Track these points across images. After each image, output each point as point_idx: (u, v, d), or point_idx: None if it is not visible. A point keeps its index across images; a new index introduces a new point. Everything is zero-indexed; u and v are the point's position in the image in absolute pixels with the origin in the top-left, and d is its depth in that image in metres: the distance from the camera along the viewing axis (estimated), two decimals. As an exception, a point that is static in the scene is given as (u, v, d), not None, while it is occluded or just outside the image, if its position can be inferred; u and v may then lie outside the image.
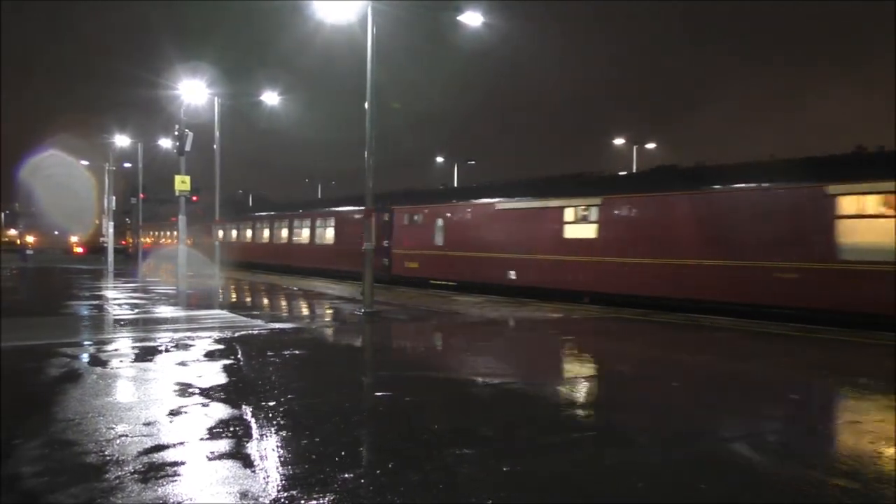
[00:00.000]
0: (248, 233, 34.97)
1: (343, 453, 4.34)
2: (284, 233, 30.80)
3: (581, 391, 6.58)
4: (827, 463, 4.35)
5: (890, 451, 4.56)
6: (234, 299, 16.59)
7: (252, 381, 6.54)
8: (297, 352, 8.52)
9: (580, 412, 5.70)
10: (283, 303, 16.25)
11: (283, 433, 4.78)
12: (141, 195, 34.10)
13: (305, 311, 14.51)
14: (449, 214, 20.10)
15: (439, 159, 49.75)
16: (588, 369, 8.14)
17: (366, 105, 13.20)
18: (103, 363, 7.43)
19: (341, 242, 25.45)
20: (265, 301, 16.34)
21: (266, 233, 32.79)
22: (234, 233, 36.25)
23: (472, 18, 14.01)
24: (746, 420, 5.49)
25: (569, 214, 16.31)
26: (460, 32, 14.45)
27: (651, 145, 39.58)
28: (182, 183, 17.73)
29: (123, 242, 53.57)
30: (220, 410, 5.39)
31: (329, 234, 26.69)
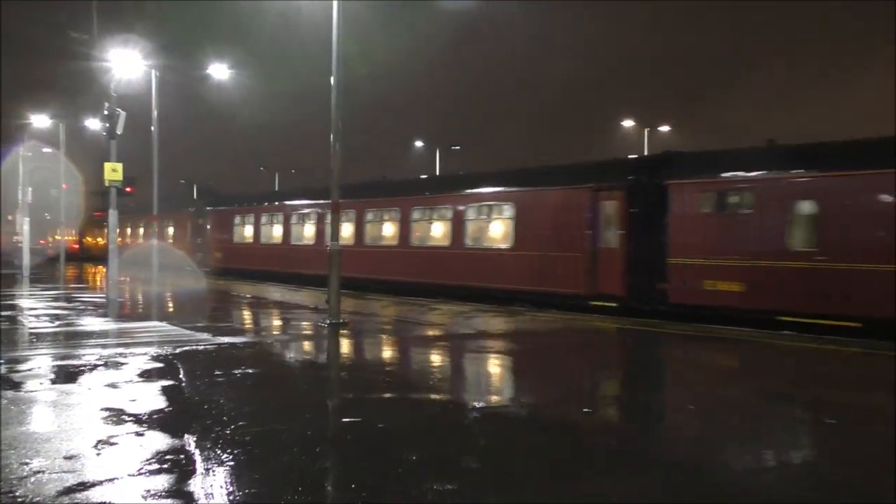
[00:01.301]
0: (250, 230, 30.01)
1: (304, 490, 4.30)
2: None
3: (582, 415, 6.59)
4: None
5: None
6: (177, 309, 16.43)
7: (196, 406, 6.47)
8: (249, 370, 8.44)
9: (580, 437, 5.70)
10: (235, 313, 16.10)
11: (233, 467, 4.72)
12: (63, 186, 33.63)
13: (261, 323, 14.40)
14: (853, 191, 12.84)
15: (418, 144, 49.85)
16: (590, 387, 8.17)
17: (332, 80, 13.14)
18: (16, 385, 7.30)
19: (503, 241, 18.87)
20: (214, 311, 16.18)
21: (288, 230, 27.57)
22: (245, 229, 30.79)
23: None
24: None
25: None
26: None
27: (665, 128, 40.04)
28: (113, 171, 17.51)
29: (42, 242, 52.78)
30: (158, 440, 5.33)
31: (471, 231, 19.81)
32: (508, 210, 18.72)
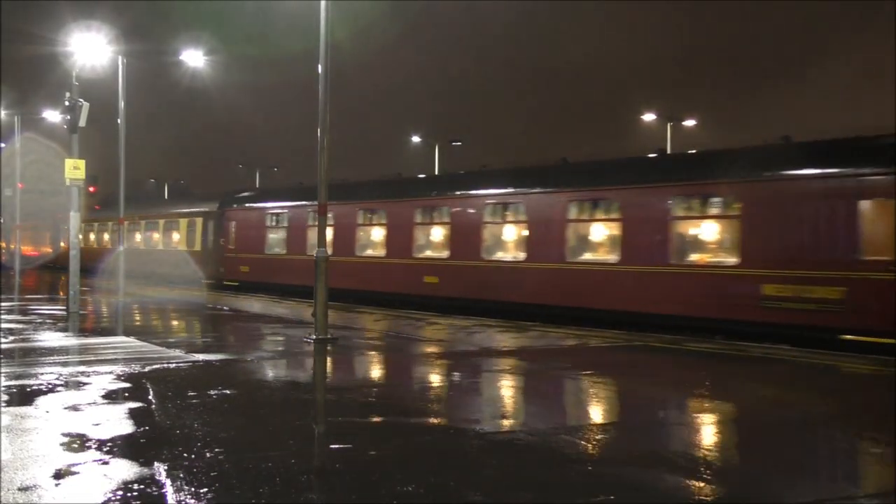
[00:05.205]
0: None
1: (287, 525, 4.32)
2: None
3: (595, 442, 6.61)
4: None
5: None
6: (144, 323, 16.42)
7: (167, 431, 6.49)
8: (227, 391, 8.46)
9: (595, 469, 5.72)
10: (212, 328, 16.11)
11: (209, 499, 4.74)
12: (19, 185, 33.70)
13: (240, 339, 14.40)
14: None
15: (415, 139, 49.98)
16: (605, 413, 8.20)
17: (319, 68, 13.21)
18: (-33, 408, 7.30)
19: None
20: (186, 325, 16.19)
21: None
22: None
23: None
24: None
25: None
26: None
27: (690, 122, 40.16)
28: (75, 169, 17.53)
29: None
30: (125, 469, 5.33)
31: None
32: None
